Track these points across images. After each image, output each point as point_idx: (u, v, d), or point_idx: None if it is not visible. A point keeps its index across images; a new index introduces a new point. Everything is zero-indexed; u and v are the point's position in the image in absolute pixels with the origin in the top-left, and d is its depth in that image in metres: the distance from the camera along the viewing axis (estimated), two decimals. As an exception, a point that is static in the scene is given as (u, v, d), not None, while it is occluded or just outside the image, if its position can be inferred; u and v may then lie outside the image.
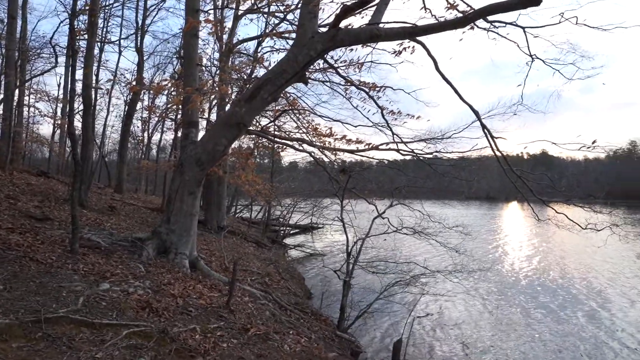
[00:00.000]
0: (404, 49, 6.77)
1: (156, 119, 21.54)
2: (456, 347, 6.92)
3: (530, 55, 7.20)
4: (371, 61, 9.06)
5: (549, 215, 7.76)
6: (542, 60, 7.52)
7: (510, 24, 6.86)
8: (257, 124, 12.93)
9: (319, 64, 7.74)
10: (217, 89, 8.93)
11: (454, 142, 8.89)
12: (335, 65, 8.31)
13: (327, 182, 9.32)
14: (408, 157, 9.90)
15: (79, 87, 12.26)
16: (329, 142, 8.88)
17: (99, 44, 16.98)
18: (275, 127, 12.86)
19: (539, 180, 8.50)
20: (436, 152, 9.28)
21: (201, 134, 8.42)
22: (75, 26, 10.33)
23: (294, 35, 8.77)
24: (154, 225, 7.90)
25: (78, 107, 16.88)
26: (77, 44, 10.17)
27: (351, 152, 9.83)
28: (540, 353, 6.77)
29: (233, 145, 13.50)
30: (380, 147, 9.32)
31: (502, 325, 8.01)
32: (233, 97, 11.07)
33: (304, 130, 10.16)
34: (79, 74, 10.72)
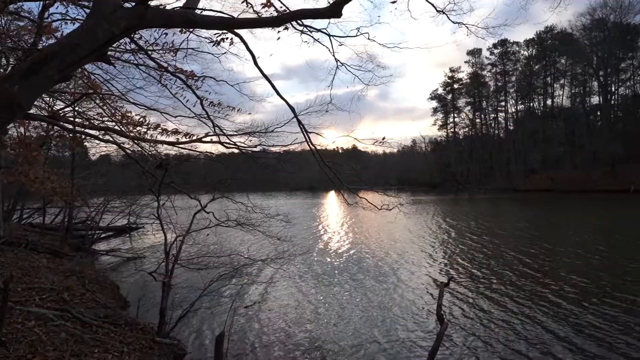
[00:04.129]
0: (222, 39, 6.68)
1: None
2: (279, 330, 7.40)
3: (336, 61, 8.21)
4: (192, 48, 8.52)
5: (356, 200, 9.09)
6: (345, 66, 8.69)
7: (320, 30, 7.64)
8: (48, 107, 10.54)
9: (127, 43, 6.84)
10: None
11: (277, 135, 9.40)
12: (150, 49, 7.51)
13: (144, 177, 8.42)
14: (236, 151, 9.92)
15: None
16: (142, 131, 8.00)
17: None
18: (75, 113, 10.76)
19: (347, 171, 9.87)
20: (260, 145, 9.61)
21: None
22: None
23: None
24: None
25: None
26: None
27: (171, 144, 9.12)
28: (356, 325, 7.90)
29: (12, 134, 10.63)
30: (203, 139, 8.99)
31: (319, 303, 9.00)
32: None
33: (112, 119, 8.83)
34: None
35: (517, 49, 71.13)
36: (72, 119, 9.92)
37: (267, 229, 8.23)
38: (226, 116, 8.55)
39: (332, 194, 55.62)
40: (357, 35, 7.80)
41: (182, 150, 10.70)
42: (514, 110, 73.66)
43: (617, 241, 15.40)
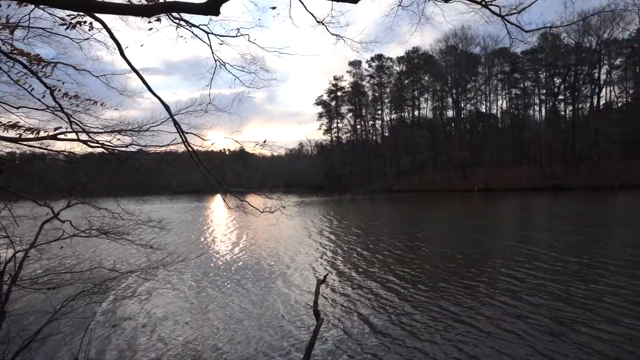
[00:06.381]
0: (79, 23, 5.80)
1: None
2: (148, 346, 6.76)
3: (215, 60, 7.91)
4: (40, 27, 7.20)
5: (238, 204, 8.90)
6: (227, 66, 8.44)
7: (198, 26, 7.26)
8: None
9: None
10: None
11: (154, 135, 8.58)
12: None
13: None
14: (103, 151, 8.73)
15: None
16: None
17: None
18: None
19: (229, 174, 9.61)
20: (132, 145, 8.65)
21: None
22: None
23: None
24: None
25: None
26: None
27: (12, 140, 7.56)
28: (235, 328, 7.68)
29: None
30: (57, 136, 7.69)
31: (194, 310, 8.51)
32: None
33: None
34: None
35: (391, 64, 79.72)
36: None
37: (138, 237, 7.41)
38: (87, 110, 7.43)
39: (218, 197, 53.60)
40: (237, 36, 7.65)
41: (33, 149, 8.98)
42: (388, 118, 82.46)
43: (457, 233, 18.49)
